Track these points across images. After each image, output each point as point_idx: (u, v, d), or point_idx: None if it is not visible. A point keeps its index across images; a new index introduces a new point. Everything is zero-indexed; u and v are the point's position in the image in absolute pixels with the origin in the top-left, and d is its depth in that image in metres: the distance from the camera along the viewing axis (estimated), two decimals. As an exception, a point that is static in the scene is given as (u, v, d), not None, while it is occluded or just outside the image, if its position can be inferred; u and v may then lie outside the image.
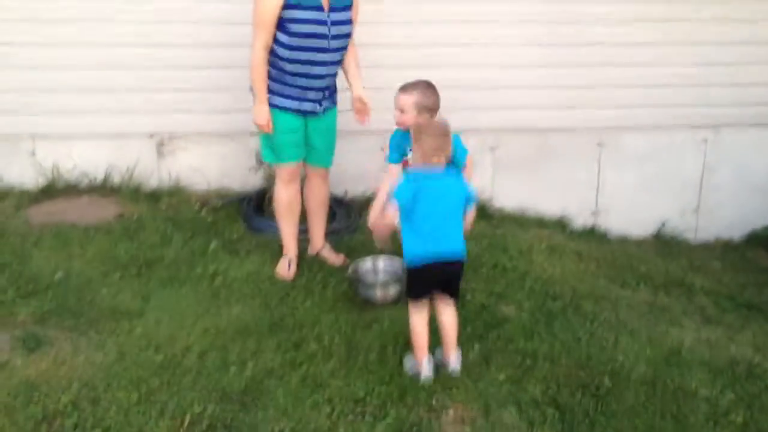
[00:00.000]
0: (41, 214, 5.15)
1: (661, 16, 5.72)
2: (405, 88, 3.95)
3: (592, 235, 6.03)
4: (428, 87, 3.95)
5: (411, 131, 3.67)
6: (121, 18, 5.25)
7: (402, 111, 3.95)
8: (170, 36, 5.30)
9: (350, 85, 4.45)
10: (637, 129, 5.99)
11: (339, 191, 5.61)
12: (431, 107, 3.94)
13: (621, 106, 5.88)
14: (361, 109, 4.42)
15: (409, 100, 3.93)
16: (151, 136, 5.53)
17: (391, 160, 4.16)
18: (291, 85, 4.28)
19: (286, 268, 4.54)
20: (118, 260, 4.60)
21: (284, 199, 4.52)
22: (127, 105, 5.41)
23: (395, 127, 4.07)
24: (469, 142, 5.51)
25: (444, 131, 3.57)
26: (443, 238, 3.56)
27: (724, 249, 6.23)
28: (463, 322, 4.10)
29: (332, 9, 4.23)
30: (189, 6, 5.27)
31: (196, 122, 5.51)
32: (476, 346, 3.91)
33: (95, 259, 4.60)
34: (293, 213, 4.57)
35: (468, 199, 3.64)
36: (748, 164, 6.13)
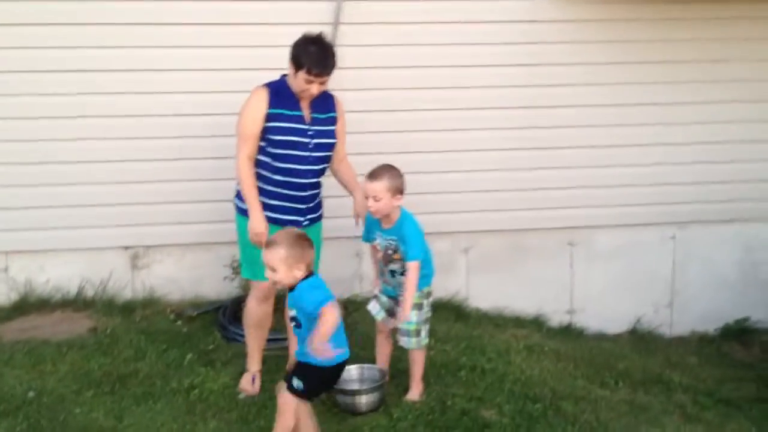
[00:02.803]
0: (13, 330, 5.07)
1: (626, 120, 5.90)
2: (372, 176, 4.12)
3: (569, 333, 6.05)
4: (392, 168, 4.19)
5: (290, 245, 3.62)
6: (93, 134, 5.31)
7: (376, 199, 4.10)
8: (144, 151, 5.37)
9: (353, 195, 4.46)
10: (607, 227, 6.10)
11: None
12: (401, 188, 4.15)
13: (590, 205, 5.99)
14: (360, 215, 4.45)
15: (380, 186, 4.10)
16: (126, 248, 5.54)
17: (364, 239, 4.43)
18: (275, 197, 4.29)
19: (250, 382, 4.46)
20: (92, 376, 4.52)
21: (256, 315, 4.45)
22: (100, 219, 5.42)
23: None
24: (443, 244, 5.72)
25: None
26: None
27: (700, 343, 6.26)
28: (444, 429, 4.09)
29: (314, 121, 4.31)
30: (164, 121, 5.35)
31: (170, 233, 5.52)
32: (458, 455, 3.87)
33: (68, 377, 4.51)
34: (263, 329, 4.51)
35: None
36: (716, 259, 6.23)
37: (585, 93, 5.81)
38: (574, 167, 5.91)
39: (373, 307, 4.48)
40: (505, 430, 4.12)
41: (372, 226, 4.35)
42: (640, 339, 6.14)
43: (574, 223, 6.04)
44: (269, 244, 3.64)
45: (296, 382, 3.67)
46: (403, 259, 4.23)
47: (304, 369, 3.69)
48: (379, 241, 4.31)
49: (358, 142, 5.37)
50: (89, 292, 5.50)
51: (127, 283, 5.55)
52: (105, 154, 5.34)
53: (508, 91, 5.72)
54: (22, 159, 5.28)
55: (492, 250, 6.00)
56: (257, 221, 4.20)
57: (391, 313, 4.41)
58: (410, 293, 4.20)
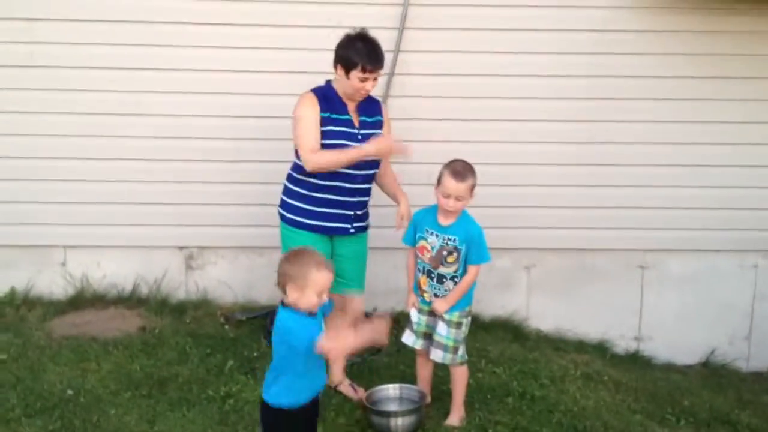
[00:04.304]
0: (65, 325, 5.13)
1: (705, 138, 5.54)
2: (459, 176, 3.91)
3: (635, 361, 5.70)
4: (470, 165, 4.00)
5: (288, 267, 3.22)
6: (152, 132, 5.31)
7: (459, 199, 3.92)
8: (201, 151, 5.35)
9: (398, 201, 4.32)
10: (683, 251, 5.73)
11: (368, 307, 5.47)
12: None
13: (664, 227, 5.64)
14: (402, 224, 4.29)
15: (467, 186, 3.94)
16: (181, 248, 5.53)
17: (406, 240, 4.17)
18: (321, 203, 4.19)
19: None
20: (132, 378, 4.51)
21: None
22: (157, 217, 5.42)
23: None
24: (503, 261, 5.49)
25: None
26: None
27: (777, 379, 5.83)
28: (482, 461, 3.88)
29: (362, 124, 4.20)
30: (221, 123, 5.31)
31: (225, 235, 5.49)
32: (492, 491, 3.66)
33: (109, 376, 4.52)
34: None
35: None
36: (802, 290, 5.78)
37: (663, 108, 5.46)
38: (648, 186, 5.57)
39: (408, 338, 4.24)
40: (546, 466, 3.88)
41: (423, 223, 4.08)
42: (712, 373, 5.74)
43: (646, 246, 5.69)
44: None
45: None
46: (465, 262, 4.00)
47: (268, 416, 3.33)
48: (432, 240, 4.04)
49: (422, 150, 5.23)
50: (143, 290, 5.53)
51: (180, 284, 5.55)
52: (163, 153, 5.33)
53: (578, 104, 5.43)
54: (82, 155, 5.32)
55: (556, 269, 5.73)
56: (385, 141, 4.11)
57: (429, 335, 4.19)
58: (460, 293, 4.00)
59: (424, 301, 4.14)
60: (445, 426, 4.16)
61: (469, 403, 4.29)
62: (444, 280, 4.04)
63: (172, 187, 5.39)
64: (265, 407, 3.32)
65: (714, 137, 5.54)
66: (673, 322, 5.79)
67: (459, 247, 3.98)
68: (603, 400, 4.76)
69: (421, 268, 4.11)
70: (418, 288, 4.16)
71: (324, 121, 4.11)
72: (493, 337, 5.38)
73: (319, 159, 4.06)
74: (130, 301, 5.48)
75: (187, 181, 5.39)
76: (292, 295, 3.17)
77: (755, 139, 5.55)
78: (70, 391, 4.32)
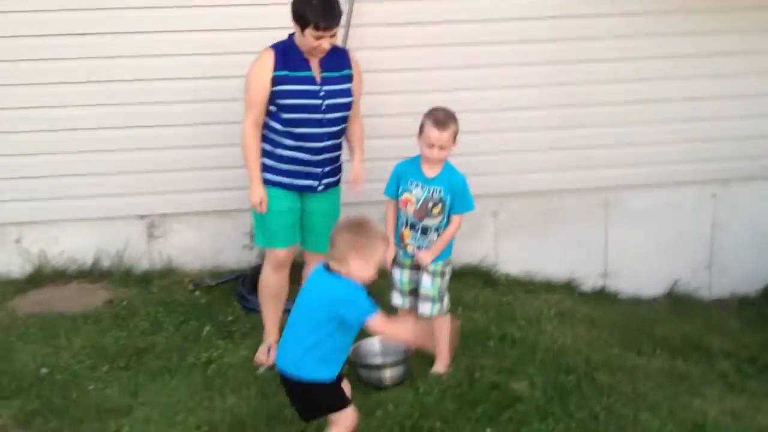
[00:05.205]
0: (28, 303, 4.97)
1: (661, 74, 5.57)
2: (441, 125, 3.85)
3: (603, 297, 5.81)
4: (452, 113, 3.92)
5: (356, 237, 3.17)
6: (105, 99, 5.11)
7: (442, 148, 3.87)
8: (155, 116, 5.17)
9: (351, 157, 4.27)
10: (643, 187, 5.81)
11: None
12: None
13: (625, 164, 5.70)
14: (355, 181, 4.22)
15: (449, 134, 3.89)
16: (141, 217, 5.37)
17: (388, 193, 4.08)
18: (287, 161, 4.09)
19: (265, 354, 4.28)
20: (107, 351, 4.39)
21: (272, 285, 4.28)
22: (114, 187, 5.25)
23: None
24: None
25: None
26: (281, 347, 3.29)
27: (740, 305, 5.99)
28: (473, 403, 3.89)
29: (325, 81, 4.07)
30: (175, 85, 5.12)
31: (187, 201, 5.34)
32: (488, 431, 3.66)
33: (82, 352, 4.39)
34: (279, 299, 4.34)
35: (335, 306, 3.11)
36: (759, 218, 5.92)
37: (618, 46, 5.47)
38: (607, 125, 5.61)
39: (397, 300, 4.20)
40: (536, 403, 3.90)
41: (406, 175, 4.01)
42: (677, 302, 5.89)
43: (609, 183, 5.75)
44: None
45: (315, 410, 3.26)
46: (449, 212, 3.96)
47: (308, 392, 3.22)
48: (417, 193, 3.97)
49: (384, 103, 5.15)
50: (105, 263, 5.36)
51: (143, 253, 5.40)
52: (115, 120, 5.14)
53: (539, 46, 5.41)
54: (31, 127, 5.11)
55: (522, 213, 5.75)
56: (254, 191, 4.07)
57: (413, 291, 4.15)
58: (444, 243, 3.98)
59: (406, 255, 4.10)
60: (432, 374, 4.15)
61: (451, 350, 4.29)
62: (428, 231, 4.00)
63: (128, 155, 5.22)
64: (299, 385, 3.18)
65: (667, 72, 5.58)
66: (637, 256, 5.88)
67: (444, 197, 3.94)
68: (580, 336, 4.83)
69: (404, 221, 4.05)
70: (399, 241, 4.11)
71: (279, 80, 3.98)
72: (464, 284, 5.38)
73: (246, 137, 4.03)
74: (92, 274, 5.32)
75: (143, 147, 5.21)
76: (355, 265, 3.10)
77: (708, 72, 5.62)
78: (44, 370, 4.19)
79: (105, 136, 5.16)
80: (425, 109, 4.02)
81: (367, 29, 5.16)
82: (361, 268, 3.11)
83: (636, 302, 5.84)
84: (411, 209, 3.99)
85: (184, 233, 5.42)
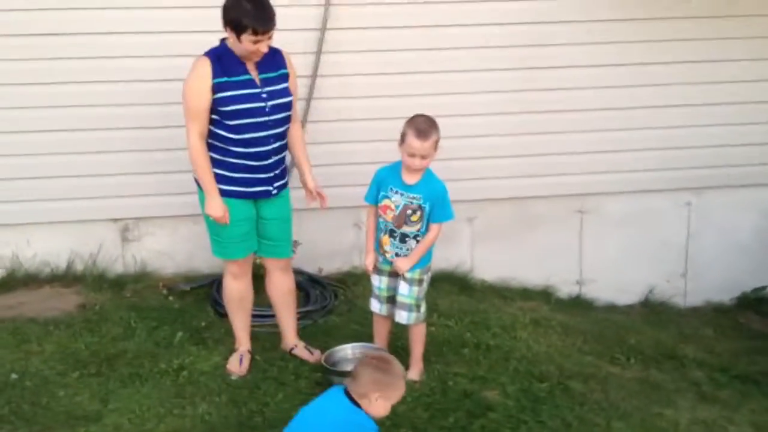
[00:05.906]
0: (-1, 308, 4.91)
1: (636, 80, 5.59)
2: (423, 135, 3.81)
3: (578, 305, 5.82)
4: (433, 120, 3.90)
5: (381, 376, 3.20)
6: (73, 101, 5.05)
7: (424, 157, 3.84)
8: (129, 118, 5.10)
9: (300, 171, 4.21)
10: (619, 194, 5.82)
11: (313, 269, 5.41)
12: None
13: (600, 171, 5.72)
14: (311, 198, 4.19)
15: (431, 143, 3.85)
16: (115, 221, 5.32)
17: (368, 199, 4.06)
18: (238, 169, 4.00)
19: (237, 363, 4.24)
20: (78, 357, 4.34)
21: (234, 294, 4.25)
22: (87, 190, 5.19)
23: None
24: None
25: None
26: None
27: (715, 313, 6.03)
28: (444, 412, 3.89)
29: (265, 82, 3.98)
30: (147, 87, 5.05)
31: (162, 205, 5.29)
32: (459, 440, 3.68)
33: (53, 357, 4.34)
34: (244, 307, 4.30)
35: None
36: (733, 226, 5.96)
37: (594, 52, 5.49)
38: (583, 131, 5.62)
39: (374, 306, 4.20)
40: (509, 412, 3.92)
41: (387, 181, 3.98)
42: (652, 310, 5.92)
43: (584, 190, 5.77)
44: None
45: None
46: (428, 221, 3.95)
47: None
48: (396, 199, 3.95)
49: (365, 107, 5.13)
50: (79, 267, 5.31)
51: (117, 257, 5.35)
52: (88, 122, 5.08)
53: (511, 52, 5.41)
54: (2, 128, 5.04)
55: (498, 219, 5.76)
56: (215, 206, 3.96)
57: (391, 298, 4.15)
58: (423, 251, 3.97)
59: (385, 261, 4.09)
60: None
61: (425, 357, 4.28)
62: (407, 239, 3.99)
63: (102, 157, 5.16)
64: None
65: (642, 79, 5.60)
66: (612, 263, 5.90)
67: (423, 205, 3.93)
68: (554, 344, 4.85)
69: (383, 228, 4.04)
70: (379, 247, 4.09)
71: (220, 87, 3.88)
72: (440, 291, 5.36)
73: (194, 151, 3.94)
74: (66, 278, 5.26)
75: (117, 150, 5.16)
76: (376, 403, 3.14)
77: (684, 79, 5.64)
78: (14, 375, 4.13)
79: (79, 138, 5.10)
80: (400, 113, 4.02)
81: (344, 33, 5.14)
82: (381, 407, 3.16)
83: (611, 310, 5.86)
84: (390, 216, 3.98)
85: (158, 237, 5.38)
